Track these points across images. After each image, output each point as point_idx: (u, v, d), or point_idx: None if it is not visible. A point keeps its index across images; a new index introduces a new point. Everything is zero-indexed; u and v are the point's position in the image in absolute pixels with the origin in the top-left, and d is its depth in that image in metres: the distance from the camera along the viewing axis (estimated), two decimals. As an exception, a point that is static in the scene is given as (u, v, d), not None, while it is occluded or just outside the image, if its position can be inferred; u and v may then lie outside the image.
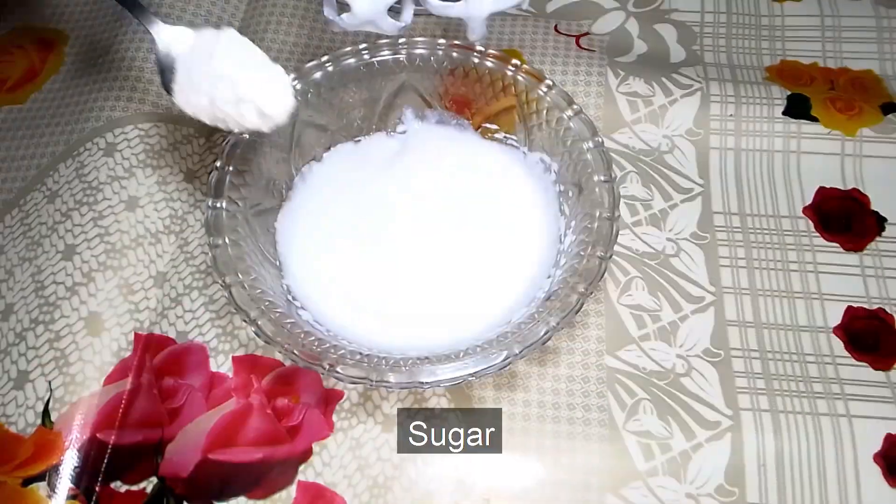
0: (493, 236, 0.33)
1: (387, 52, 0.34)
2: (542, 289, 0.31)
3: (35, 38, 0.43)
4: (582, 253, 0.30)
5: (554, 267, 0.32)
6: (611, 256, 0.29)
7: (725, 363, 0.32)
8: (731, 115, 0.38)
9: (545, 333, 0.27)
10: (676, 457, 0.30)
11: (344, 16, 0.32)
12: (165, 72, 0.29)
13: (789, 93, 0.39)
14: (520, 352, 0.27)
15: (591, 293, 0.29)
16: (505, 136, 0.35)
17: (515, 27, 0.43)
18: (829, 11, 0.44)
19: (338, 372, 0.27)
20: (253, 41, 0.41)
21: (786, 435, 0.31)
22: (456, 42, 0.34)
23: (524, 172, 0.35)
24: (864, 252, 0.35)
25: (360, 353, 0.28)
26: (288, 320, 0.29)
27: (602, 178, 0.31)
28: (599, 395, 0.32)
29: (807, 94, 0.39)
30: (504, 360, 0.27)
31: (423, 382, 0.27)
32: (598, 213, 0.30)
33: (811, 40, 0.43)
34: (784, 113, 0.38)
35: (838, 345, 0.33)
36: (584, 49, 0.42)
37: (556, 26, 0.43)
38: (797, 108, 0.39)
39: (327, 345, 0.28)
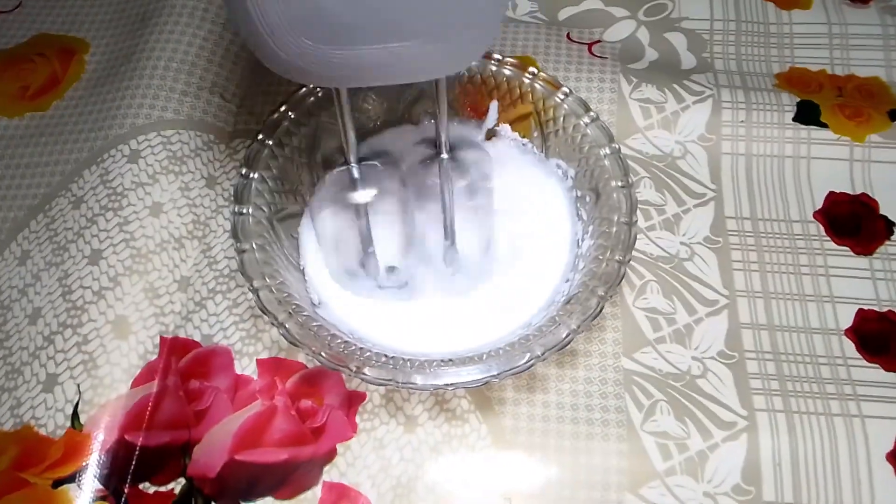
0: (514, 240, 0.33)
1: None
2: (561, 292, 0.32)
3: (56, 45, 0.44)
4: (600, 257, 0.30)
5: (572, 271, 0.32)
6: (629, 261, 0.30)
7: (740, 365, 0.33)
8: (742, 122, 0.39)
9: (567, 336, 0.28)
10: (694, 456, 0.31)
11: None
12: None
13: (799, 99, 0.40)
14: (542, 353, 0.28)
15: (611, 297, 0.29)
16: (522, 142, 0.36)
17: (529, 35, 0.43)
18: (836, 19, 0.44)
19: (364, 374, 0.28)
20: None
21: (800, 435, 0.31)
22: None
23: (542, 178, 0.35)
24: (874, 256, 0.36)
25: (386, 356, 0.29)
26: (314, 323, 0.29)
27: (619, 183, 0.32)
28: (617, 397, 0.32)
29: (816, 101, 0.40)
30: (527, 361, 0.28)
31: (447, 384, 0.28)
32: (615, 218, 0.31)
33: (819, 48, 0.44)
34: (794, 119, 0.39)
35: (850, 347, 0.34)
36: (597, 56, 0.42)
37: (568, 34, 0.44)
38: (807, 115, 0.39)
39: (353, 347, 0.29)
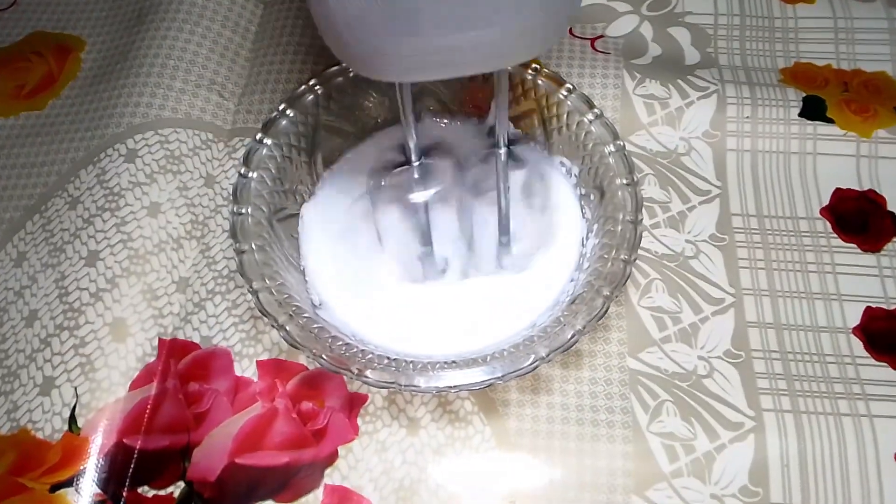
0: (517, 239, 0.33)
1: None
2: (566, 292, 0.31)
3: (51, 43, 0.43)
4: (605, 256, 0.30)
5: (577, 270, 0.32)
6: (635, 260, 0.30)
7: (747, 364, 0.33)
8: (747, 118, 0.39)
9: (572, 337, 0.28)
10: (700, 458, 0.31)
11: None
12: None
13: (804, 95, 0.39)
14: (547, 355, 0.27)
15: (616, 296, 0.29)
16: (526, 140, 0.36)
17: (530, 31, 0.43)
18: (842, 13, 0.44)
19: (366, 376, 0.27)
20: (269, 45, 0.42)
21: (808, 435, 0.31)
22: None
23: (545, 176, 0.35)
24: (882, 253, 0.36)
25: (388, 358, 0.28)
26: (315, 325, 0.29)
27: (624, 181, 0.31)
28: (622, 397, 0.32)
29: (822, 97, 0.39)
30: (531, 363, 0.27)
31: (451, 386, 0.27)
32: (620, 217, 0.31)
33: (824, 42, 0.43)
34: (800, 115, 0.39)
35: (858, 345, 0.33)
36: (600, 52, 0.42)
37: (570, 29, 0.43)
38: (813, 110, 0.39)
39: (355, 349, 0.28)
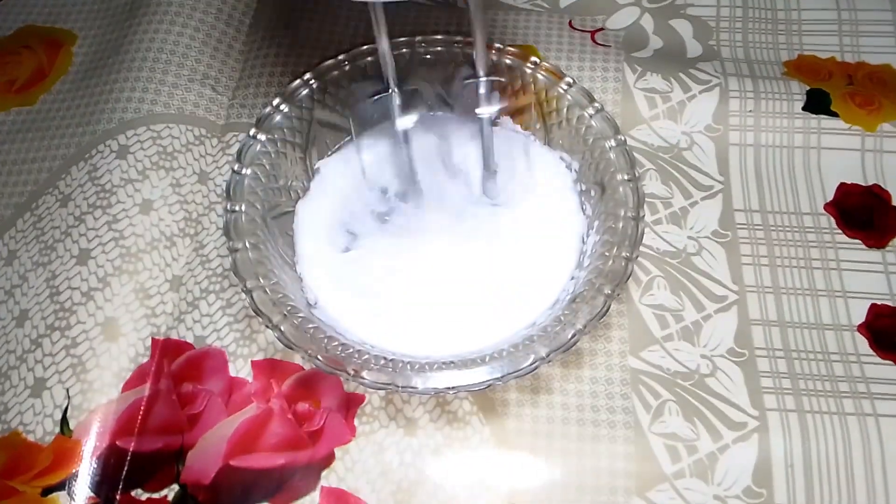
0: (515, 237, 0.32)
1: (403, 50, 0.34)
2: (566, 290, 0.30)
3: (42, 37, 0.43)
4: (606, 254, 0.29)
5: (577, 268, 0.31)
6: (636, 257, 0.29)
7: (750, 363, 0.32)
8: (750, 111, 0.38)
9: (572, 337, 0.27)
10: (703, 458, 0.30)
11: None
12: None
13: (808, 88, 0.39)
14: (547, 355, 0.27)
15: (618, 295, 0.28)
16: (524, 135, 0.35)
17: (529, 23, 0.42)
18: (846, 5, 0.43)
19: (363, 377, 0.27)
20: (264, 38, 0.41)
21: (813, 435, 0.30)
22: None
23: (545, 172, 0.34)
24: (887, 249, 0.35)
25: (385, 358, 0.28)
26: (310, 325, 0.28)
27: (625, 177, 0.31)
28: (624, 397, 0.31)
29: (826, 90, 0.39)
30: (531, 363, 0.27)
31: (449, 387, 0.27)
32: (622, 213, 0.30)
33: (828, 34, 0.42)
34: (804, 108, 0.38)
35: (863, 343, 0.33)
36: (600, 45, 0.41)
37: (570, 22, 0.42)
38: (817, 104, 0.38)
39: (351, 349, 0.28)
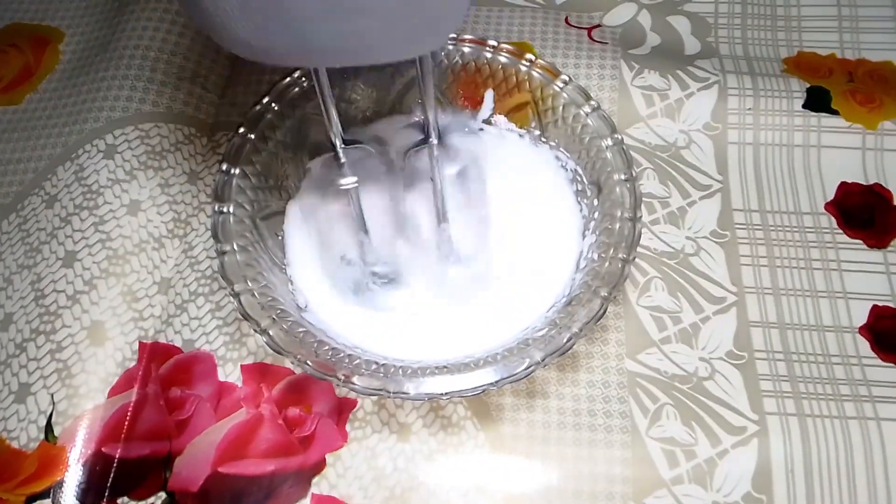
0: (510, 238, 0.32)
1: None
2: (562, 293, 0.30)
3: (29, 35, 0.42)
4: (603, 255, 0.29)
5: (573, 270, 0.31)
6: (634, 259, 0.28)
7: (749, 366, 0.32)
8: (749, 109, 0.37)
9: (568, 340, 0.27)
10: (702, 464, 0.29)
11: None
12: None
13: (808, 85, 0.38)
14: (542, 359, 0.26)
15: (615, 297, 0.28)
16: (520, 133, 0.34)
17: (525, 19, 0.41)
18: (846, 1, 0.43)
19: (353, 383, 0.26)
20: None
21: (813, 440, 0.30)
22: (467, 36, 0.33)
23: (541, 171, 0.33)
24: (888, 249, 0.35)
25: (376, 363, 0.27)
26: (300, 329, 0.28)
27: (622, 176, 0.30)
28: (621, 401, 0.31)
29: (826, 87, 0.38)
30: (526, 368, 0.26)
31: (442, 393, 0.26)
32: (618, 214, 0.29)
33: (828, 31, 0.42)
34: (804, 106, 0.37)
35: (864, 345, 0.32)
36: (597, 42, 0.40)
37: (566, 18, 0.42)
38: (817, 101, 0.37)
39: (341, 354, 0.27)
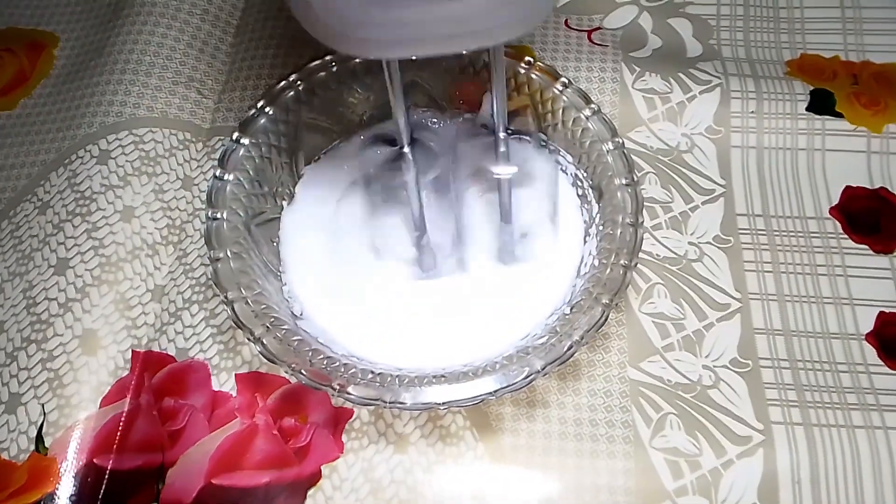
0: (509, 244, 0.31)
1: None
2: (563, 300, 0.29)
3: (24, 40, 0.41)
4: (604, 261, 0.28)
5: (574, 276, 0.30)
6: (636, 265, 0.28)
7: (754, 374, 0.31)
8: (752, 112, 0.37)
9: (569, 348, 0.26)
10: (706, 475, 0.29)
11: None
12: None
13: (812, 88, 0.37)
14: (543, 368, 0.26)
15: (616, 304, 0.27)
16: (519, 137, 0.34)
17: (524, 23, 0.41)
18: (850, 3, 0.42)
19: (349, 393, 0.25)
20: (251, 39, 0.40)
21: (820, 449, 0.29)
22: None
23: (540, 176, 0.33)
24: (895, 254, 0.34)
25: (372, 372, 0.26)
26: (295, 337, 0.27)
27: (624, 181, 0.30)
28: (623, 410, 0.30)
29: (830, 90, 0.38)
30: (526, 377, 0.26)
31: (439, 403, 0.25)
32: (620, 219, 0.29)
33: (832, 33, 0.41)
34: (808, 109, 0.37)
35: (871, 352, 0.31)
36: (597, 44, 0.40)
37: (566, 21, 0.41)
38: (821, 104, 0.37)
39: (337, 363, 0.27)
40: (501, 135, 0.28)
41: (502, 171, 0.28)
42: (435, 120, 0.34)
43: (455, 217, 0.31)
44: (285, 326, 0.27)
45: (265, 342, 0.26)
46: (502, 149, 0.28)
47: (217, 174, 0.29)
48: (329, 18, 0.21)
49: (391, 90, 0.26)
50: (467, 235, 0.31)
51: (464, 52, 0.25)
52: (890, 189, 0.36)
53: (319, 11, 0.21)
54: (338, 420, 0.30)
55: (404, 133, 0.28)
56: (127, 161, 0.35)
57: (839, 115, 0.37)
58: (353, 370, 0.26)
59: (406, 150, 0.28)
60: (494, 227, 0.31)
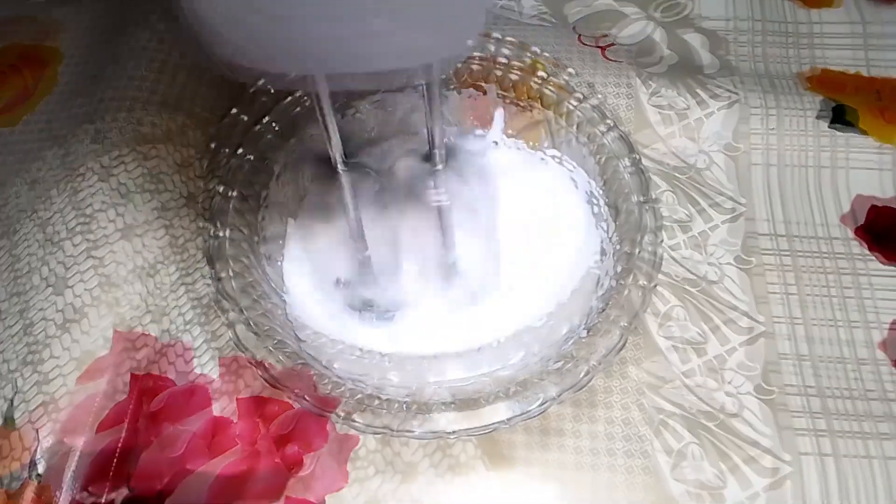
0: (523, 263, 0.30)
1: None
2: (579, 323, 0.28)
3: (28, 56, 0.41)
4: (622, 282, 0.27)
5: (591, 298, 0.29)
6: (655, 286, 0.26)
7: (780, 401, 0.29)
8: (772, 129, 0.36)
9: (585, 374, 0.25)
10: (731, 509, 0.27)
11: None
12: None
13: (834, 104, 0.36)
14: (558, 395, 0.24)
15: (635, 327, 0.26)
16: (532, 153, 0.33)
17: (537, 38, 0.40)
18: (870, 18, 0.41)
19: (354, 420, 0.24)
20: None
21: (851, 483, 0.28)
22: (477, 54, 0.32)
23: (555, 193, 0.32)
24: (924, 275, 0.33)
25: (379, 398, 0.25)
26: (298, 361, 0.26)
27: (641, 198, 0.28)
28: (642, 440, 0.29)
29: (853, 106, 0.36)
30: (541, 404, 0.24)
31: (450, 431, 0.24)
32: (637, 238, 0.28)
33: (853, 48, 0.40)
34: (830, 125, 0.36)
35: (903, 379, 0.30)
36: (611, 60, 0.39)
37: (579, 37, 0.40)
38: (844, 120, 0.36)
39: (342, 388, 0.26)
40: (440, 166, 0.26)
41: (440, 198, 0.27)
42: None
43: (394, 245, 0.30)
44: (288, 349, 0.26)
45: (266, 366, 0.25)
46: (440, 179, 0.26)
47: (220, 191, 0.29)
48: (224, 27, 0.19)
49: (319, 113, 0.24)
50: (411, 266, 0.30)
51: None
52: (917, 208, 0.34)
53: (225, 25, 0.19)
54: (343, 448, 0.29)
55: (338, 153, 0.26)
56: (129, 178, 0.34)
57: (863, 132, 0.36)
58: (359, 396, 0.25)
59: (342, 174, 0.27)
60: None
